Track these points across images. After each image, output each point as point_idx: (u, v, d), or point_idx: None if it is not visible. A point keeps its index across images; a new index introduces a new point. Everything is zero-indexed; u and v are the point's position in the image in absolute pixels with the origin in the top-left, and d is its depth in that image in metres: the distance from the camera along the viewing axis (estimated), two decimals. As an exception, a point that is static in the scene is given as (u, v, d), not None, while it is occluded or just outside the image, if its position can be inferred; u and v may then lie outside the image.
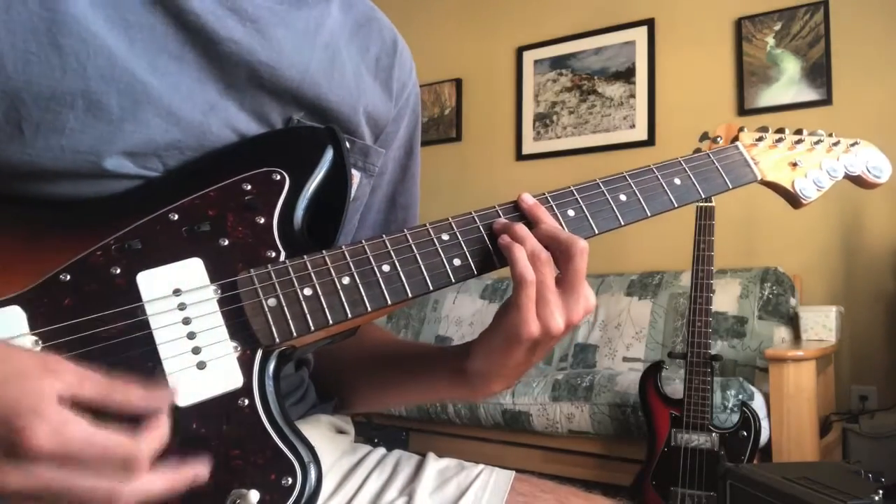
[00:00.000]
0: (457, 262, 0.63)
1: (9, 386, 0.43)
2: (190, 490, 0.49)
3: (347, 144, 0.67)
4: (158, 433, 0.48)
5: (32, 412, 0.42)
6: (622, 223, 0.69)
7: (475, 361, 0.66)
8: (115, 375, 0.47)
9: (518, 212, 0.67)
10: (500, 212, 0.66)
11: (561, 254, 0.62)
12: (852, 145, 0.85)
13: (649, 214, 0.70)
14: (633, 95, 3.48)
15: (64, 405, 0.44)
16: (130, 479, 0.45)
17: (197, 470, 0.49)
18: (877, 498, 1.38)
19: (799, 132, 0.83)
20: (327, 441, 0.76)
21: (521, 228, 0.63)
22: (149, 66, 0.59)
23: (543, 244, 0.62)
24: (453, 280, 0.62)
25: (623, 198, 0.70)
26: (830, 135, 0.85)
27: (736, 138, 0.82)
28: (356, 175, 0.74)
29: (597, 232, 0.68)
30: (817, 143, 0.84)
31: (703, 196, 0.74)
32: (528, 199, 0.67)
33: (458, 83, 4.02)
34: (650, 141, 3.40)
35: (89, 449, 0.44)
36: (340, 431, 0.81)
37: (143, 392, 0.48)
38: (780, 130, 0.83)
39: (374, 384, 0.83)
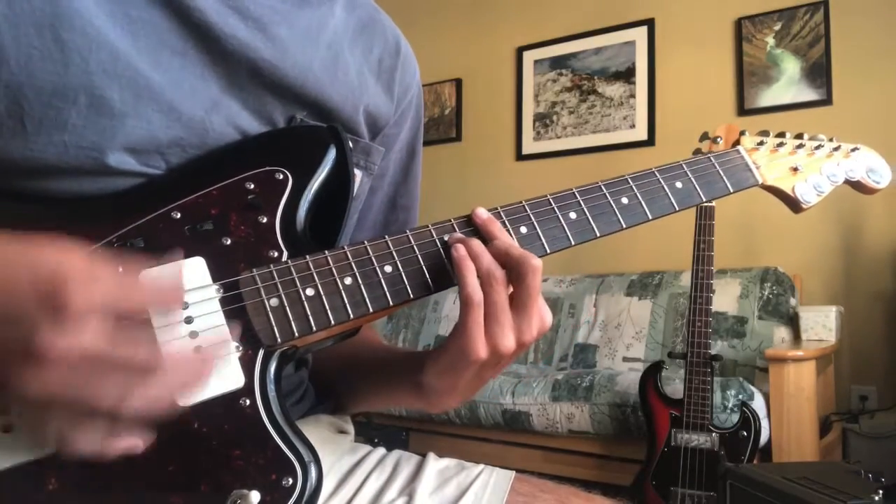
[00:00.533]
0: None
1: (41, 254, 0.44)
2: (190, 488, 0.50)
3: (350, 144, 0.67)
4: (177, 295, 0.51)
5: (68, 272, 0.43)
6: (623, 226, 0.69)
7: (427, 378, 0.65)
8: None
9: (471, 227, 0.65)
10: (455, 226, 0.64)
11: (512, 271, 0.59)
12: (853, 150, 0.86)
13: (651, 217, 0.70)
14: (633, 95, 3.48)
15: None
16: (150, 376, 0.45)
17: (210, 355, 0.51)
18: (877, 498, 1.38)
19: (800, 137, 0.84)
20: (327, 441, 0.76)
21: (475, 244, 0.61)
22: (151, 62, 0.59)
23: (498, 261, 0.60)
24: (455, 282, 0.62)
25: (625, 200, 0.70)
26: (831, 140, 0.86)
27: (737, 142, 0.82)
28: (357, 174, 0.74)
29: (598, 235, 0.68)
30: (818, 148, 0.84)
31: (705, 199, 0.74)
32: (482, 214, 0.64)
33: (458, 83, 4.02)
34: (650, 141, 3.40)
35: (125, 300, 0.45)
36: (341, 431, 0.81)
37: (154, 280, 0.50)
38: (781, 135, 0.83)
39: (353, 389, 0.83)
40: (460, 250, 0.60)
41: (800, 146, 0.83)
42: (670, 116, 3.36)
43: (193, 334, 0.54)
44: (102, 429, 0.45)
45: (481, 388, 0.66)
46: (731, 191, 0.76)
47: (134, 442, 0.47)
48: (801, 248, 2.99)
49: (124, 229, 0.57)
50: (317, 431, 0.75)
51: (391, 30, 0.81)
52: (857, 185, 0.86)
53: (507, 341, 0.59)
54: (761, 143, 0.82)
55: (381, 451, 0.80)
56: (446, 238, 0.63)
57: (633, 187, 0.71)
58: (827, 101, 3.01)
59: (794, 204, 0.82)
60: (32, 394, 0.43)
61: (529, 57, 3.80)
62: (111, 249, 0.56)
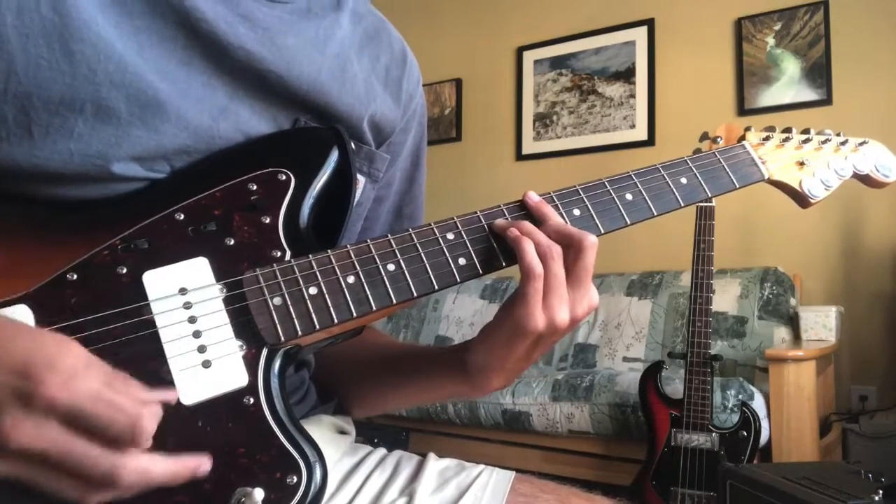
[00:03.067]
0: (462, 261, 0.63)
1: (24, 338, 0.45)
2: (194, 487, 0.50)
3: (353, 146, 0.67)
4: (159, 410, 0.48)
5: (46, 364, 0.43)
6: (628, 222, 0.70)
7: (477, 355, 0.67)
8: (117, 370, 0.48)
9: (524, 210, 0.67)
10: (504, 211, 0.67)
11: (571, 248, 0.63)
12: (860, 144, 0.85)
13: (655, 214, 0.70)
14: (633, 95, 3.48)
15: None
16: (134, 447, 0.46)
17: (200, 461, 0.50)
18: (877, 498, 1.38)
19: (806, 132, 0.83)
20: (328, 441, 0.76)
21: (529, 225, 0.64)
22: (158, 72, 0.59)
23: (553, 239, 0.63)
24: (458, 279, 0.63)
25: (629, 197, 0.70)
26: (838, 134, 0.85)
27: (743, 137, 0.82)
28: (361, 180, 0.75)
29: (602, 231, 0.68)
30: (825, 142, 0.84)
31: (710, 195, 0.74)
32: (534, 197, 0.67)
33: (458, 83, 4.02)
34: (650, 141, 3.40)
35: (97, 404, 0.44)
36: (341, 432, 0.81)
37: (144, 387, 0.49)
38: (788, 130, 0.82)
39: (376, 387, 0.83)
40: (514, 230, 0.64)
41: (806, 141, 0.83)
42: (670, 116, 3.36)
43: (197, 334, 0.55)
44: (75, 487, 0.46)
45: (525, 370, 0.68)
46: (737, 186, 0.76)
47: None
48: (801, 248, 2.99)
49: (128, 231, 0.57)
50: (318, 432, 0.75)
51: (397, 39, 0.81)
52: (864, 179, 0.86)
53: (563, 314, 0.62)
54: (767, 139, 0.82)
55: (382, 451, 0.80)
56: (497, 222, 0.66)
57: (637, 183, 0.71)
58: (827, 101, 3.01)
59: (801, 199, 0.82)
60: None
61: (529, 57, 3.80)
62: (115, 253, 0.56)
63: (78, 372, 0.44)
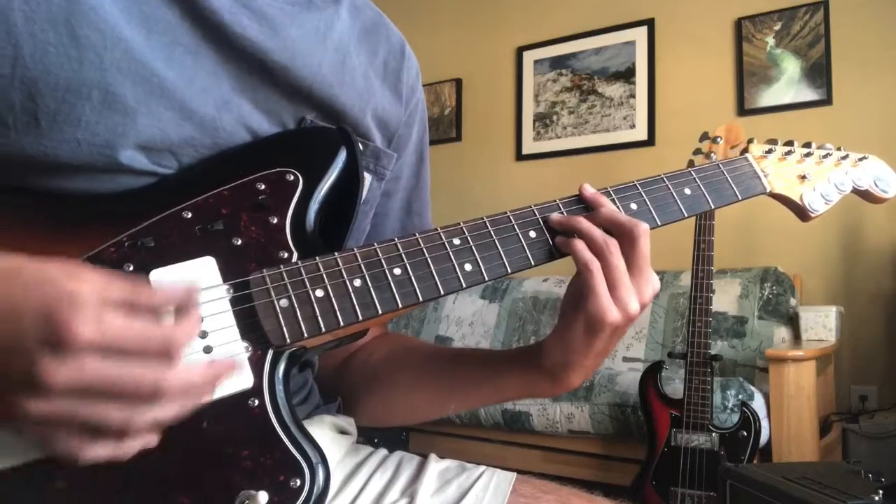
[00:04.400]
0: (468, 267, 0.63)
1: (44, 286, 0.43)
2: (198, 489, 0.50)
3: (360, 146, 0.67)
4: (191, 320, 0.48)
5: (71, 306, 0.42)
6: None
7: (554, 355, 0.68)
8: (136, 280, 0.48)
9: (534, 216, 0.68)
10: (535, 210, 0.68)
11: (624, 237, 0.64)
12: (861, 159, 0.86)
13: (659, 224, 0.71)
14: (633, 95, 3.48)
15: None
16: (171, 365, 0.45)
17: (232, 363, 0.50)
18: (877, 498, 1.38)
19: (808, 146, 0.84)
20: (330, 442, 0.76)
21: (581, 220, 0.66)
22: (164, 59, 0.59)
23: (605, 229, 0.65)
24: (464, 285, 0.63)
25: (633, 206, 0.71)
26: (839, 148, 0.86)
27: (746, 150, 0.83)
28: (367, 178, 0.75)
29: None
30: (826, 156, 0.85)
31: (714, 207, 0.75)
32: (589, 189, 0.69)
33: (458, 83, 4.02)
34: (650, 141, 3.40)
35: (129, 334, 0.44)
36: (343, 432, 0.81)
37: (167, 290, 0.48)
38: (790, 143, 0.84)
39: (437, 392, 0.82)
40: (572, 225, 0.66)
41: (808, 154, 0.84)
42: (670, 116, 3.36)
43: (203, 334, 0.54)
44: (109, 443, 0.46)
45: (604, 360, 0.70)
46: (740, 198, 0.77)
47: (145, 442, 0.47)
48: (801, 248, 2.99)
49: (135, 228, 0.57)
50: (319, 432, 0.75)
51: (395, 33, 0.81)
52: (864, 195, 0.87)
53: (634, 302, 0.64)
54: (770, 151, 0.83)
55: (383, 452, 0.80)
56: (543, 216, 0.68)
57: (642, 193, 0.71)
58: (827, 101, 3.01)
59: (801, 212, 0.83)
60: (33, 420, 0.43)
61: (529, 57, 3.80)
62: (123, 252, 0.56)
63: (102, 301, 0.44)
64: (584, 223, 0.65)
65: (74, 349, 0.42)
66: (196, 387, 0.47)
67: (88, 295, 0.43)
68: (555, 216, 0.67)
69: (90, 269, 0.46)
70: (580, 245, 0.64)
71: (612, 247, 0.64)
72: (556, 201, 0.68)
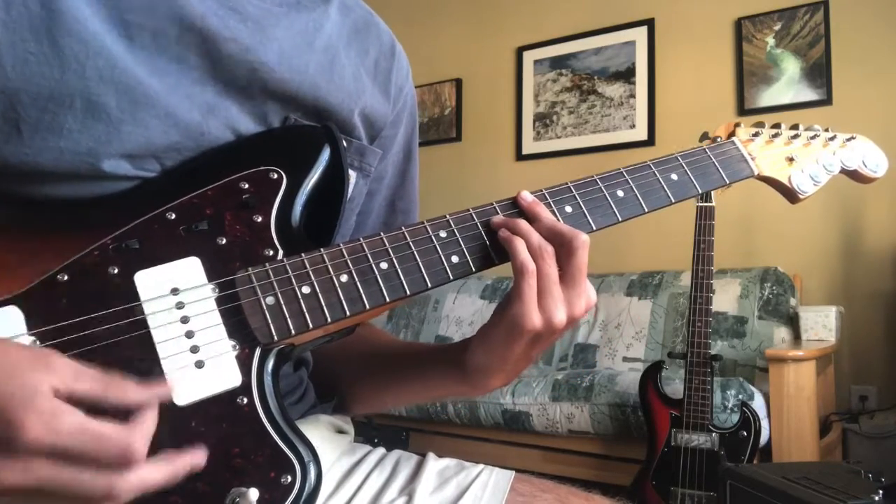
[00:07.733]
0: (455, 259, 0.63)
1: (4, 377, 0.43)
2: (189, 486, 0.49)
3: (344, 143, 0.67)
4: (150, 423, 0.47)
5: (25, 405, 0.42)
6: (619, 219, 0.70)
7: (475, 356, 0.66)
8: (110, 372, 0.47)
9: (516, 209, 0.67)
10: (497, 209, 0.66)
11: (563, 247, 0.62)
12: (848, 140, 0.85)
13: (646, 210, 0.70)
14: (633, 95, 3.48)
15: (59, 398, 0.44)
16: (127, 470, 0.45)
17: (194, 458, 0.49)
18: (877, 498, 1.38)
19: (795, 127, 0.84)
20: (327, 441, 0.76)
21: (521, 223, 0.64)
22: (148, 68, 0.59)
23: (545, 238, 0.63)
24: (451, 277, 0.62)
25: (620, 194, 0.70)
26: (827, 129, 0.85)
27: (732, 133, 0.82)
28: (352, 175, 0.74)
29: (594, 228, 0.68)
30: (813, 137, 0.84)
31: (701, 191, 0.74)
32: (527, 197, 0.67)
33: (458, 83, 4.02)
34: (650, 141, 3.40)
35: (83, 438, 0.43)
36: (340, 431, 0.81)
37: (138, 387, 0.48)
38: (777, 125, 0.83)
39: (373, 385, 0.83)
40: (511, 227, 0.63)
41: (795, 136, 0.83)
42: (670, 116, 3.36)
43: (190, 334, 0.54)
44: None
45: (527, 368, 0.68)
46: (727, 182, 0.76)
47: None
48: (801, 248, 2.99)
49: (119, 231, 0.57)
50: (316, 431, 0.75)
51: (385, 32, 0.81)
52: (853, 175, 0.86)
53: (560, 313, 0.61)
54: (756, 135, 0.82)
55: (381, 450, 0.80)
56: (492, 220, 0.65)
57: (629, 180, 0.71)
58: (827, 101, 3.01)
59: (790, 194, 0.82)
60: None
61: (529, 57, 3.80)
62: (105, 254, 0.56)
63: (59, 408, 0.43)
64: (523, 226, 0.63)
65: (22, 451, 0.42)
66: (154, 487, 0.47)
67: (47, 391, 0.43)
68: (494, 219, 0.65)
69: (59, 357, 0.46)
70: (520, 246, 0.62)
71: (546, 254, 0.61)
72: (493, 204, 0.67)
